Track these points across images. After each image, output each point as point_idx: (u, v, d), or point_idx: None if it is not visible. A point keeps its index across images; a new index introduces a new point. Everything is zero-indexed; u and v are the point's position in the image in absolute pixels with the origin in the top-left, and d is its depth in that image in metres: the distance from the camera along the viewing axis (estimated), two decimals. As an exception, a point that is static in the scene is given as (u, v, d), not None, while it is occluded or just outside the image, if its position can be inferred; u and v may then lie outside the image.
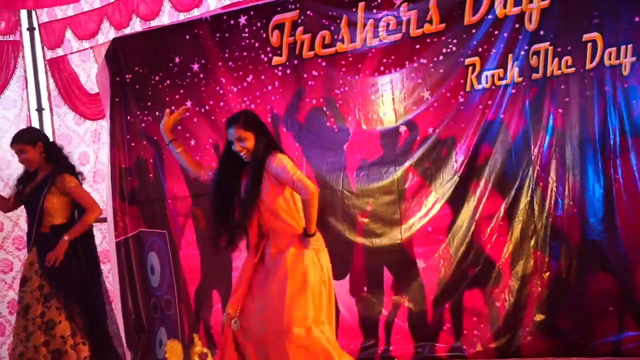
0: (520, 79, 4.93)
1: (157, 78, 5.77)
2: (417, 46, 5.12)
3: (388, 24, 5.16)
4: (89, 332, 4.94)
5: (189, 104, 5.63)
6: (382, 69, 5.22)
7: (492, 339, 5.01)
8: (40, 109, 6.83)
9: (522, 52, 4.89)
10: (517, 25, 4.89)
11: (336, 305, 4.28)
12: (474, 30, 4.99)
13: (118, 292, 5.90)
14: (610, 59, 4.70)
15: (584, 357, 4.76)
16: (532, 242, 4.95)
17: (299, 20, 5.33)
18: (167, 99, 5.70)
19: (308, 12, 5.31)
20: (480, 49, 4.99)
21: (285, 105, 5.45)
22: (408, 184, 5.21)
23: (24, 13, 6.80)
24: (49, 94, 6.83)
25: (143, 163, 5.90)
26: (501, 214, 5.00)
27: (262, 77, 5.47)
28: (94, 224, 5.19)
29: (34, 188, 5.00)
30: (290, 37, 5.37)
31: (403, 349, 5.20)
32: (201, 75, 5.65)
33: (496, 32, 4.94)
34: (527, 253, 4.96)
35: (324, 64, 5.33)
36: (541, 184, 4.92)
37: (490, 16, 4.94)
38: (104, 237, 6.48)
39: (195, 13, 6.01)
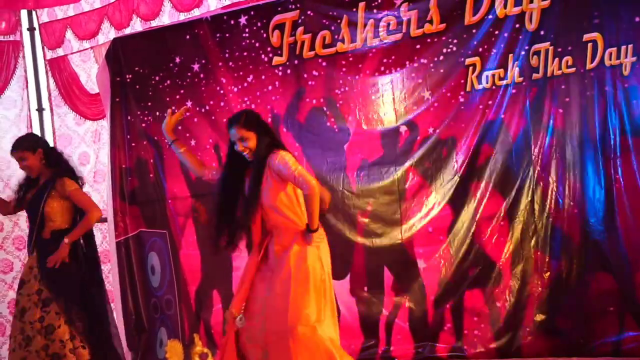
0: (521, 79, 4.93)
1: (157, 78, 5.77)
2: (418, 46, 5.12)
3: (388, 24, 5.16)
4: (89, 336, 4.93)
5: (189, 104, 5.63)
6: (382, 69, 5.22)
7: (492, 339, 5.01)
8: (40, 109, 6.83)
9: (523, 52, 4.89)
10: (517, 25, 4.89)
11: (337, 305, 4.27)
12: (474, 30, 4.99)
13: (118, 292, 5.90)
14: (610, 59, 4.70)
15: (584, 357, 4.76)
16: (533, 242, 4.95)
17: (300, 20, 5.33)
18: (168, 99, 5.70)
19: (308, 12, 5.31)
20: (480, 49, 4.99)
21: (285, 105, 5.45)
22: (408, 184, 5.21)
23: (24, 13, 6.80)
24: (50, 94, 6.83)
25: (143, 163, 5.90)
26: (502, 214, 5.00)
27: (263, 77, 5.48)
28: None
29: (35, 193, 5.01)
30: (290, 37, 5.37)
31: (403, 349, 5.20)
32: (201, 75, 5.65)
33: (496, 32, 4.94)
34: (527, 253, 4.96)
35: (324, 64, 5.33)
36: (542, 184, 4.93)
37: (490, 16, 4.94)
38: (104, 237, 6.48)
39: (196, 13, 6.02)
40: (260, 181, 4.03)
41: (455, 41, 5.03)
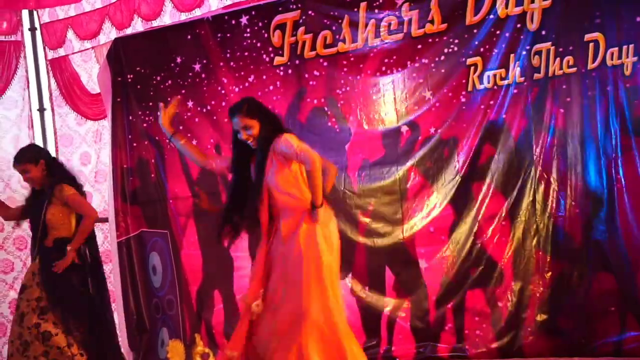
0: (522, 79, 4.93)
1: (158, 78, 5.76)
2: (419, 46, 5.12)
3: (390, 24, 5.15)
4: (88, 344, 4.94)
5: (190, 104, 5.63)
6: (383, 69, 5.22)
7: (494, 339, 5.01)
8: (41, 109, 6.83)
9: (524, 52, 4.89)
10: (518, 25, 4.89)
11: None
12: (475, 30, 4.99)
13: (120, 293, 5.90)
14: (612, 59, 4.69)
15: (585, 357, 4.76)
16: (534, 242, 4.95)
17: (301, 20, 5.33)
18: (169, 99, 5.66)
19: (309, 12, 5.31)
20: (482, 49, 4.99)
21: (286, 105, 5.45)
22: (410, 184, 5.21)
23: (25, 13, 6.80)
24: (51, 94, 6.83)
25: (145, 163, 5.89)
26: (503, 214, 5.00)
27: (264, 77, 5.47)
28: (95, 224, 5.21)
29: (36, 202, 5.04)
30: (291, 37, 5.37)
31: (405, 349, 5.20)
32: (203, 75, 5.65)
33: (498, 32, 4.94)
34: (529, 253, 4.96)
35: (325, 64, 5.32)
36: (543, 184, 4.92)
37: (491, 16, 4.94)
38: (106, 238, 6.48)
39: (197, 13, 6.02)
40: (264, 166, 4.06)
41: (456, 41, 5.03)
